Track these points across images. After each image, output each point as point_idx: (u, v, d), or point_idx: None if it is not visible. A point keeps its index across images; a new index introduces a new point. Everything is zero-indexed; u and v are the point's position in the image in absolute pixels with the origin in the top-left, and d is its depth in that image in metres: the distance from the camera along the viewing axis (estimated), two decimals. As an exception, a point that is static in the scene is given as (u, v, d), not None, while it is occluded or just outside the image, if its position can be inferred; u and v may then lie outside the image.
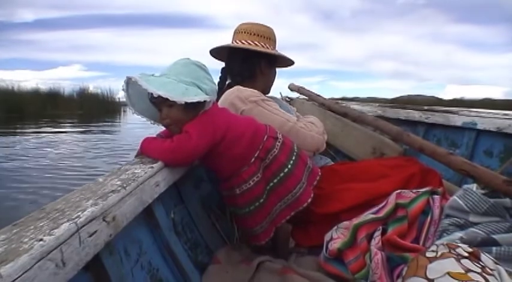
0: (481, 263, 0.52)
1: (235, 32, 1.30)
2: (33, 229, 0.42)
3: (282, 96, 2.11)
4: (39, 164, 4.10)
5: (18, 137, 6.35)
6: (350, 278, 0.85)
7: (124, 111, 14.77)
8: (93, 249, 0.49)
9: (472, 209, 0.78)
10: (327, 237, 0.94)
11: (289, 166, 0.96)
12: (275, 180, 0.94)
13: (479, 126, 1.52)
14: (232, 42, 1.28)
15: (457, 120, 1.62)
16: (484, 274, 0.50)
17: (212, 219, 1.11)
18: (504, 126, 1.42)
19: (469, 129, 1.57)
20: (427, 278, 0.51)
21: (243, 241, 1.06)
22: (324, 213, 1.04)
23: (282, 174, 0.95)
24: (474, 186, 0.83)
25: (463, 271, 0.50)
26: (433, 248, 0.57)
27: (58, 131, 7.29)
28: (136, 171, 0.71)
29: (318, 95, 2.03)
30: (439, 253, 0.54)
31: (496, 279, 0.50)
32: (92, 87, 14.66)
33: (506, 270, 0.52)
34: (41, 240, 0.39)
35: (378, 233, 0.84)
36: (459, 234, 0.74)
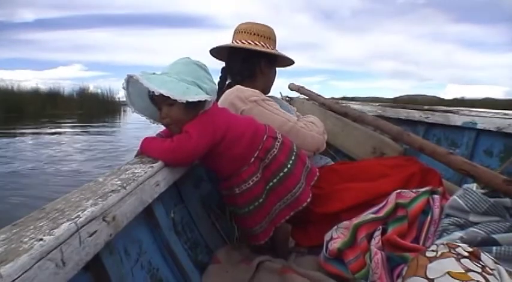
0: (481, 262, 0.52)
1: (235, 32, 1.30)
2: (33, 229, 0.42)
3: (282, 95, 2.11)
4: (23, 167, 3.86)
5: (11, 138, 6.19)
6: (350, 277, 0.85)
7: (124, 110, 14.76)
8: (93, 249, 0.49)
9: (472, 209, 0.78)
10: (327, 237, 0.94)
11: (289, 166, 0.96)
12: (274, 180, 0.94)
13: (479, 126, 1.52)
14: (232, 42, 1.28)
15: (457, 119, 1.62)
16: (484, 274, 0.50)
17: (212, 218, 1.11)
18: (504, 125, 1.42)
19: (469, 129, 1.57)
20: (427, 278, 0.51)
21: (242, 241, 1.06)
22: (324, 213, 1.04)
23: (281, 174, 0.95)
24: (474, 186, 0.83)
25: (463, 271, 0.50)
26: (433, 247, 0.57)
27: (53, 133, 7.12)
28: (136, 171, 0.71)
29: (318, 95, 2.03)
30: (439, 253, 0.54)
31: (496, 278, 0.50)
32: (92, 87, 14.69)
33: (506, 270, 0.52)
34: (41, 240, 0.39)
35: (378, 233, 0.85)
36: (459, 233, 0.74)
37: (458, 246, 0.55)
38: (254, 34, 1.25)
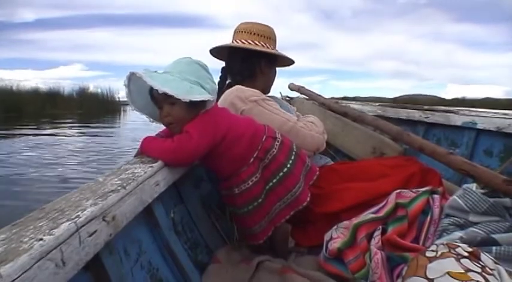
0: (480, 262, 0.52)
1: (235, 32, 1.30)
2: (32, 229, 0.42)
3: (282, 95, 2.11)
4: (7, 173, 3.60)
5: (3, 140, 5.95)
6: (350, 277, 0.85)
7: (124, 110, 14.73)
8: (93, 249, 0.49)
9: (472, 209, 0.78)
10: (326, 236, 0.94)
11: (288, 166, 0.96)
12: (274, 180, 0.94)
13: (479, 126, 1.52)
14: (232, 42, 1.28)
15: (457, 119, 1.62)
16: (484, 274, 0.50)
17: (212, 218, 1.11)
18: (504, 125, 1.42)
19: (469, 129, 1.57)
20: (427, 278, 0.51)
21: (242, 241, 1.06)
22: (323, 212, 1.04)
23: (281, 174, 0.95)
24: (474, 186, 0.83)
25: (463, 271, 0.50)
26: (433, 247, 0.57)
27: (47, 134, 6.85)
28: (136, 170, 0.71)
29: (318, 95, 2.03)
30: (439, 253, 0.54)
31: (496, 279, 0.50)
32: (93, 86, 14.69)
33: (506, 270, 0.52)
34: (41, 240, 0.39)
35: (377, 233, 0.85)
36: (459, 233, 0.74)
37: (458, 246, 0.55)
38: (254, 34, 1.25)
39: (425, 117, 1.78)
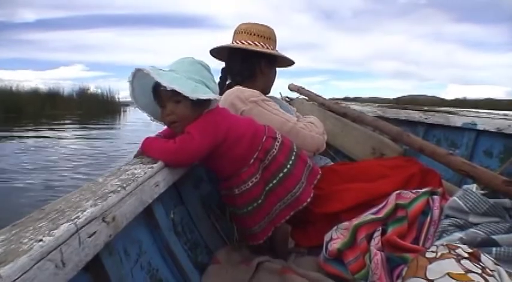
0: (481, 263, 0.52)
1: (235, 32, 1.30)
2: (32, 230, 0.42)
3: (281, 96, 2.12)
4: None
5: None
6: (350, 278, 0.85)
7: (124, 111, 14.70)
8: (93, 250, 0.49)
9: (472, 210, 0.78)
10: (326, 237, 0.94)
11: (288, 166, 0.96)
12: (274, 181, 0.94)
13: (479, 127, 1.52)
14: (232, 42, 1.28)
15: (457, 120, 1.63)
16: (484, 275, 0.50)
17: (212, 219, 1.11)
18: (504, 126, 1.42)
19: (469, 130, 1.57)
20: (427, 279, 0.51)
21: (242, 241, 1.06)
22: (323, 213, 1.04)
23: (281, 175, 0.95)
24: (474, 187, 0.83)
25: (463, 272, 0.50)
26: (433, 248, 0.57)
27: (44, 136, 6.61)
28: (136, 171, 0.71)
29: (318, 95, 2.04)
30: (439, 254, 0.54)
31: (496, 280, 0.50)
32: (94, 87, 14.68)
33: (507, 271, 0.52)
34: (41, 240, 0.39)
35: (377, 234, 0.84)
36: (459, 234, 0.74)
37: (458, 247, 0.55)
38: (254, 34, 1.25)
39: (425, 118, 1.78)
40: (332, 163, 1.32)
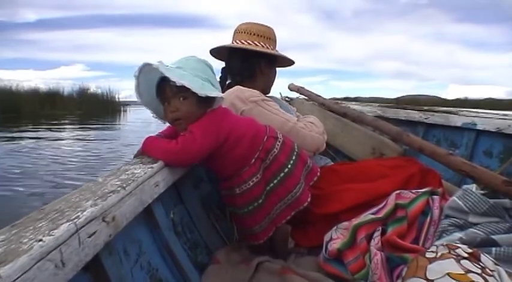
0: (480, 263, 0.52)
1: (235, 32, 1.30)
2: (32, 230, 0.42)
3: (281, 96, 2.12)
4: None
5: None
6: (350, 278, 0.85)
7: (124, 111, 14.69)
8: (93, 250, 0.49)
9: (472, 210, 0.78)
10: (326, 237, 0.94)
11: (289, 166, 0.96)
12: (275, 181, 0.94)
13: (479, 127, 1.52)
14: (232, 42, 1.28)
15: (457, 120, 1.63)
16: (484, 275, 0.50)
17: (212, 219, 1.11)
18: (504, 126, 1.42)
19: (469, 130, 1.57)
20: (426, 279, 0.51)
21: (241, 241, 1.06)
22: (323, 213, 1.04)
23: (282, 175, 0.94)
24: (474, 187, 0.83)
25: (462, 272, 0.50)
26: (433, 248, 0.57)
27: (39, 137, 6.37)
28: (135, 171, 0.71)
29: (318, 95, 2.04)
30: (439, 254, 0.54)
31: (496, 280, 0.50)
32: (94, 87, 14.67)
33: (506, 271, 0.52)
34: (41, 240, 0.39)
35: (377, 234, 0.85)
36: (459, 234, 0.74)
37: (458, 247, 0.55)
38: (254, 34, 1.25)
39: (425, 118, 1.78)
40: (332, 163, 1.32)
